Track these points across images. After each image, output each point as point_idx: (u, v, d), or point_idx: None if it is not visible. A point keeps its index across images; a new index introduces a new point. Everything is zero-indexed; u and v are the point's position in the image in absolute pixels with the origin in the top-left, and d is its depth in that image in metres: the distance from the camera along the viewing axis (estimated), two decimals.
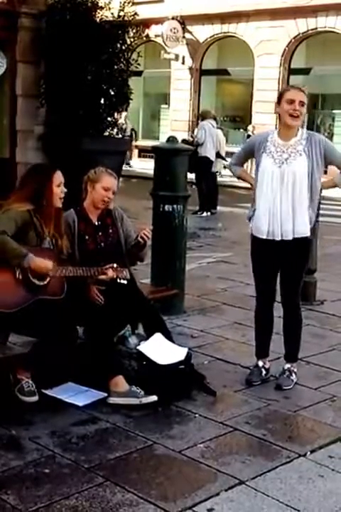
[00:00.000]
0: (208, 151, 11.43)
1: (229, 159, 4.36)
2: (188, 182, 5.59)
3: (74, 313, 3.66)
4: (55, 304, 3.57)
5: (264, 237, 3.89)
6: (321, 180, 3.96)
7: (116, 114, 7.83)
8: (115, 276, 3.78)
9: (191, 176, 10.56)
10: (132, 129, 20.40)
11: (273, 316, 4.12)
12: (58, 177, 3.70)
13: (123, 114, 19.91)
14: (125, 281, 3.82)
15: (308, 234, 3.88)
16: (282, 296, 4.06)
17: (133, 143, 20.05)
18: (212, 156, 11.61)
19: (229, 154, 13.07)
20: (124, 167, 18.31)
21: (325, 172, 4.09)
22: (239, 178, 4.28)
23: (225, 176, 14.83)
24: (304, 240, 3.89)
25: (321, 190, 4.03)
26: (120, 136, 18.80)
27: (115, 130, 7.77)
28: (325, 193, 6.11)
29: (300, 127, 3.88)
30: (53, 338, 3.50)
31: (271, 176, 3.83)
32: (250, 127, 18.07)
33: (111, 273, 3.76)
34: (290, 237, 3.84)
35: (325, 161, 3.88)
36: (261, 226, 3.89)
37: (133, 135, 20.26)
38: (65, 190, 3.73)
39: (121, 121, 19.64)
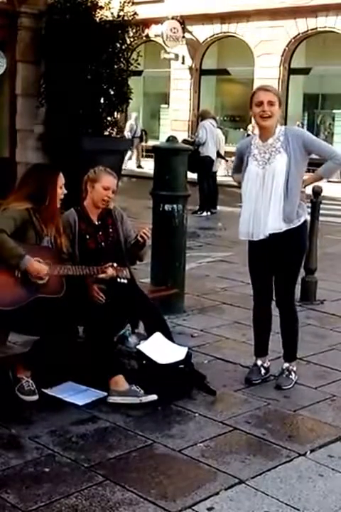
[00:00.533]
0: (210, 151, 11.43)
1: (228, 159, 4.37)
2: (190, 182, 5.59)
3: (74, 312, 3.66)
4: (55, 302, 3.57)
5: (246, 238, 3.92)
6: (304, 177, 3.93)
7: (116, 113, 7.83)
8: (115, 276, 3.78)
9: (193, 175, 10.58)
10: (143, 130, 20.24)
11: (271, 314, 4.12)
12: (61, 178, 3.72)
13: (133, 114, 19.94)
14: (125, 281, 3.82)
15: (282, 229, 3.81)
16: (276, 295, 4.07)
17: (143, 144, 19.97)
18: (214, 156, 11.62)
19: (229, 154, 13.13)
20: (137, 169, 18.30)
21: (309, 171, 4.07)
22: (239, 184, 4.23)
23: (223, 175, 14.86)
24: (286, 235, 3.82)
25: (304, 186, 3.96)
26: (130, 136, 18.78)
27: (115, 130, 7.77)
28: (325, 192, 6.14)
29: (278, 125, 3.86)
30: (53, 336, 3.51)
31: (255, 178, 3.85)
32: (250, 127, 18.03)
33: (111, 272, 3.77)
34: (266, 234, 3.83)
35: (307, 152, 3.84)
36: (242, 228, 3.92)
37: (144, 136, 20.11)
38: (65, 191, 3.75)
39: (132, 122, 19.69)
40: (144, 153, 19.55)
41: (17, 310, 3.48)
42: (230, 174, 4.29)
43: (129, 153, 19.35)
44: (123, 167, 17.42)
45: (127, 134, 19.68)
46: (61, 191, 3.72)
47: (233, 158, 4.35)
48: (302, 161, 3.84)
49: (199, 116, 12.36)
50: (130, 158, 19.07)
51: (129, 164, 18.43)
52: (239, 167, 4.21)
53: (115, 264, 3.79)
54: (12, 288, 3.50)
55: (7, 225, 3.47)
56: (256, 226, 3.86)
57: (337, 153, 3.91)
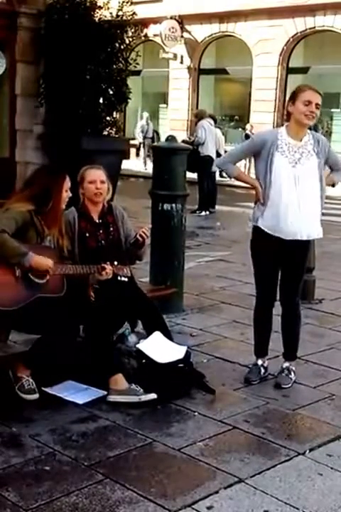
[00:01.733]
0: (210, 150, 11.43)
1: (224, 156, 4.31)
2: (191, 182, 5.59)
3: (75, 311, 3.67)
4: (56, 301, 3.58)
5: (276, 235, 3.85)
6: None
7: (115, 113, 7.84)
8: (116, 274, 3.80)
9: (193, 175, 10.58)
10: (154, 131, 20.03)
11: (272, 315, 4.13)
12: (67, 182, 3.74)
13: (145, 114, 19.81)
14: (126, 279, 3.84)
15: (321, 235, 3.97)
16: (282, 294, 4.07)
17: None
18: (214, 155, 11.63)
19: None
20: (144, 169, 18.21)
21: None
22: (235, 178, 4.13)
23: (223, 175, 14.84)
24: (308, 241, 3.97)
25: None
26: (141, 137, 18.53)
27: (114, 129, 7.79)
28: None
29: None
30: (54, 335, 3.52)
31: (287, 176, 3.82)
32: (248, 126, 18.08)
33: (111, 270, 3.78)
34: (304, 238, 3.88)
35: (326, 162, 3.95)
36: (273, 224, 3.84)
37: (155, 137, 19.95)
38: (70, 195, 3.76)
39: (143, 122, 19.58)
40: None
41: (18, 309, 3.49)
42: (218, 163, 4.20)
43: (143, 154, 19.25)
44: (145, 169, 17.33)
45: (138, 134, 19.58)
46: (66, 194, 3.73)
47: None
48: (324, 167, 3.93)
49: (196, 116, 12.36)
50: (146, 159, 18.92)
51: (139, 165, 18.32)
52: (238, 159, 4.16)
53: (115, 263, 3.81)
54: (13, 288, 3.51)
55: (8, 226, 3.48)
56: (284, 224, 3.83)
57: None
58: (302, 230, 3.87)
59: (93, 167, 4.13)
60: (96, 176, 4.08)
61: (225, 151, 12.78)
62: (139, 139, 19.54)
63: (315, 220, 3.91)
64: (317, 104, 3.79)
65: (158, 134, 20.45)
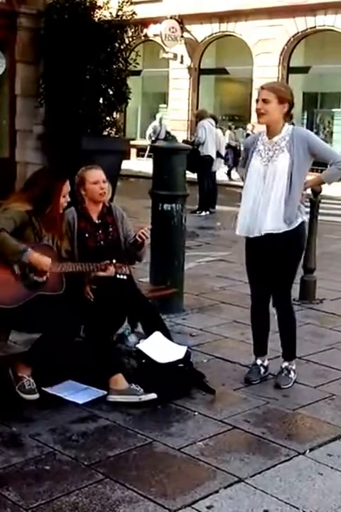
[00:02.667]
0: (210, 150, 11.44)
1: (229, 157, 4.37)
2: (191, 182, 5.58)
3: (75, 310, 3.67)
4: (55, 299, 3.59)
5: (243, 234, 3.92)
6: (306, 178, 3.92)
7: (115, 113, 7.84)
8: (114, 272, 3.80)
9: (193, 175, 10.58)
10: (167, 133, 19.78)
11: (269, 313, 4.13)
12: (67, 187, 3.74)
13: (158, 115, 19.62)
14: (125, 277, 3.84)
15: (281, 230, 3.81)
16: (273, 294, 4.07)
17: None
18: (214, 155, 11.63)
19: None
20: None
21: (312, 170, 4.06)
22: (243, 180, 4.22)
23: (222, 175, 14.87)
24: (283, 236, 3.82)
25: (305, 188, 3.96)
26: (153, 138, 18.10)
27: (114, 129, 7.78)
28: (324, 191, 6.15)
29: (286, 124, 3.86)
30: (54, 335, 3.52)
31: (257, 174, 3.85)
32: (249, 126, 18.06)
33: (110, 268, 3.78)
34: (262, 233, 3.83)
35: (311, 155, 3.83)
36: (240, 224, 3.92)
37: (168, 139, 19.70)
38: (69, 200, 3.76)
39: (156, 123, 19.43)
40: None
41: (18, 308, 3.50)
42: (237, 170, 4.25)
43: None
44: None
45: (150, 135, 19.40)
46: (64, 200, 3.74)
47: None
48: (305, 162, 3.82)
49: (197, 116, 12.36)
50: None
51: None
52: (245, 162, 4.21)
53: (114, 261, 3.81)
54: (13, 286, 3.52)
55: (7, 225, 3.49)
56: (251, 223, 3.86)
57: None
58: (262, 227, 3.81)
59: (92, 167, 4.12)
60: (98, 176, 4.06)
61: (227, 153, 12.87)
62: (151, 139, 19.10)
63: (273, 215, 3.79)
64: (263, 100, 3.78)
65: (171, 135, 20.30)
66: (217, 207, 11.94)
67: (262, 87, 3.86)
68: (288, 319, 4.09)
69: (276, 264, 3.93)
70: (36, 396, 3.57)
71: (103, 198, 4.08)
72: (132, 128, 21.22)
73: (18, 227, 3.54)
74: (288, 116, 3.88)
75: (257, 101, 3.83)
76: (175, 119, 20.55)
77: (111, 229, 4.14)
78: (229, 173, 17.10)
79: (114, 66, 7.51)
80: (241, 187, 4.06)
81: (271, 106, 3.78)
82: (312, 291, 6.00)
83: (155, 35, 19.77)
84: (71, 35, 7.06)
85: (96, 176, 4.06)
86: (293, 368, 4.12)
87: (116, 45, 7.51)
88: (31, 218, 3.61)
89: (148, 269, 5.41)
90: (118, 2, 7.66)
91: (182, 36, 20.30)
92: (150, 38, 19.31)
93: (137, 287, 4.23)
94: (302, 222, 3.93)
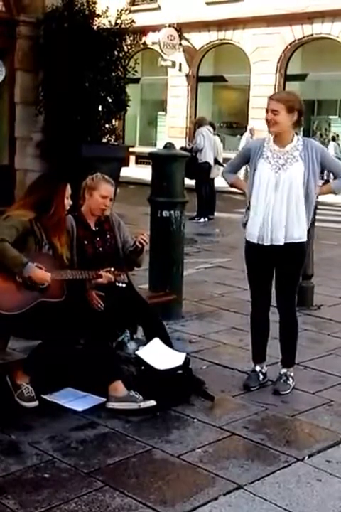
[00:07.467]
0: (208, 157, 11.47)
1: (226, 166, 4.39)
2: (190, 189, 5.59)
3: (75, 316, 3.68)
4: (56, 306, 3.60)
5: (255, 241, 3.92)
6: (318, 187, 3.99)
7: (113, 120, 7.86)
8: (113, 280, 3.81)
9: (190, 182, 10.59)
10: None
11: (268, 320, 4.14)
12: (68, 189, 3.76)
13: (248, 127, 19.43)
14: (123, 285, 3.86)
15: (303, 239, 3.91)
16: (277, 301, 4.09)
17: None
18: (212, 162, 11.65)
19: (226, 160, 13.14)
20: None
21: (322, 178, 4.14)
22: (231, 185, 4.25)
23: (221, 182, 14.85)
24: (298, 245, 3.91)
25: (317, 196, 4.04)
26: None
27: (113, 137, 7.81)
28: (322, 198, 6.17)
29: (295, 133, 3.91)
30: (54, 340, 3.53)
31: (267, 182, 3.86)
32: (248, 131, 18.03)
33: (109, 276, 3.79)
34: (281, 243, 3.86)
35: (322, 168, 3.95)
36: (253, 231, 3.93)
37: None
38: (71, 202, 3.78)
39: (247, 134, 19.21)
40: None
41: (18, 314, 3.50)
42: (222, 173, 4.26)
43: None
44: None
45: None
46: (67, 202, 3.76)
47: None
48: (317, 173, 3.91)
49: (196, 123, 12.40)
50: None
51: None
52: (238, 167, 4.23)
53: (113, 269, 3.82)
54: (15, 292, 3.53)
55: (9, 234, 3.50)
56: (267, 231, 3.87)
57: None
58: (279, 235, 3.86)
59: (109, 181, 4.08)
60: (109, 192, 4.06)
61: (223, 159, 12.89)
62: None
63: (294, 224, 3.86)
64: (272, 110, 3.81)
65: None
66: (216, 214, 11.96)
67: (271, 98, 3.88)
68: (292, 325, 4.11)
69: (284, 271, 3.96)
70: (36, 404, 3.57)
71: (101, 214, 4.08)
72: (131, 135, 21.25)
73: (21, 235, 3.56)
74: (298, 124, 3.92)
75: (266, 111, 3.84)
76: (173, 127, 20.60)
77: (108, 236, 4.15)
78: None
79: (113, 74, 7.54)
80: (240, 194, 4.08)
81: (281, 116, 3.81)
82: (310, 297, 6.00)
83: (153, 43, 19.82)
84: (70, 43, 7.08)
85: (107, 191, 4.04)
86: (292, 374, 4.12)
87: (115, 53, 7.54)
88: (33, 227, 3.63)
89: (147, 276, 5.42)
90: (117, 10, 7.69)
91: (180, 44, 20.38)
92: (149, 46, 19.34)
93: (138, 293, 4.24)
94: (308, 230, 4.01)
